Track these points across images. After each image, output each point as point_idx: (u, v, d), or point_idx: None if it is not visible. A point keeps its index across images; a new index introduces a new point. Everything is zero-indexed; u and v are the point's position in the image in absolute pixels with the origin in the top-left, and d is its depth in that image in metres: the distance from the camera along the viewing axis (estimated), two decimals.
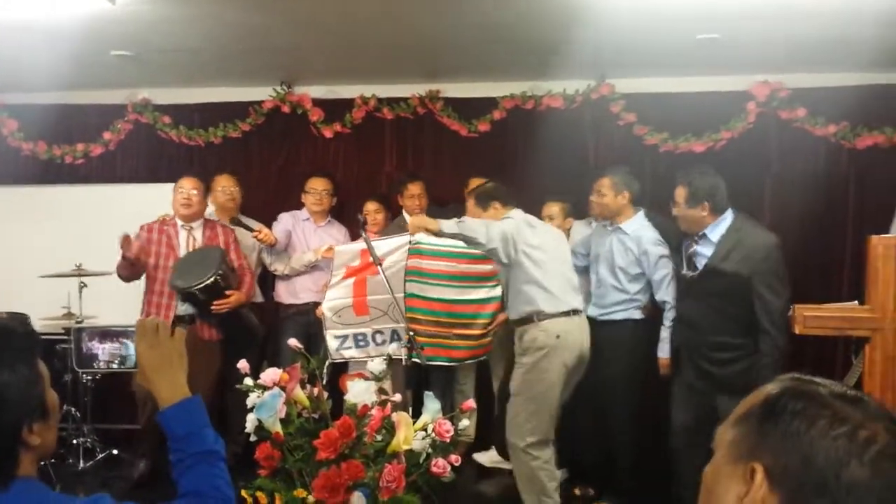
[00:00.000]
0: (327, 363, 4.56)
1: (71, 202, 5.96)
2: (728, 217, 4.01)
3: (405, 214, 5.34)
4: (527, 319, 3.99)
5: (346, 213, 5.68)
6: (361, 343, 4.68)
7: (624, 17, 4.28)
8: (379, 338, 4.69)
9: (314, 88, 5.94)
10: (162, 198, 5.10)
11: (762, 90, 5.40)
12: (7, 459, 1.30)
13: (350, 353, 4.67)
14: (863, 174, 5.40)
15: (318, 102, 5.91)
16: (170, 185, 5.22)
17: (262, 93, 5.92)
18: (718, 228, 3.99)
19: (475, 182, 5.28)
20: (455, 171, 5.72)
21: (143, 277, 4.90)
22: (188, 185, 4.95)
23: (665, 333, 4.36)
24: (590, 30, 4.46)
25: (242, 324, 4.92)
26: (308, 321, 5.20)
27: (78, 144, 6.13)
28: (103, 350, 1.43)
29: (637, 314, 4.47)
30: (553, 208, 4.90)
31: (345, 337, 4.71)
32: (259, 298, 5.45)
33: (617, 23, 4.36)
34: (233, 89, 5.97)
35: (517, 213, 4.12)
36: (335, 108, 5.91)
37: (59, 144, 6.14)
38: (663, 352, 4.37)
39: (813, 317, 3.09)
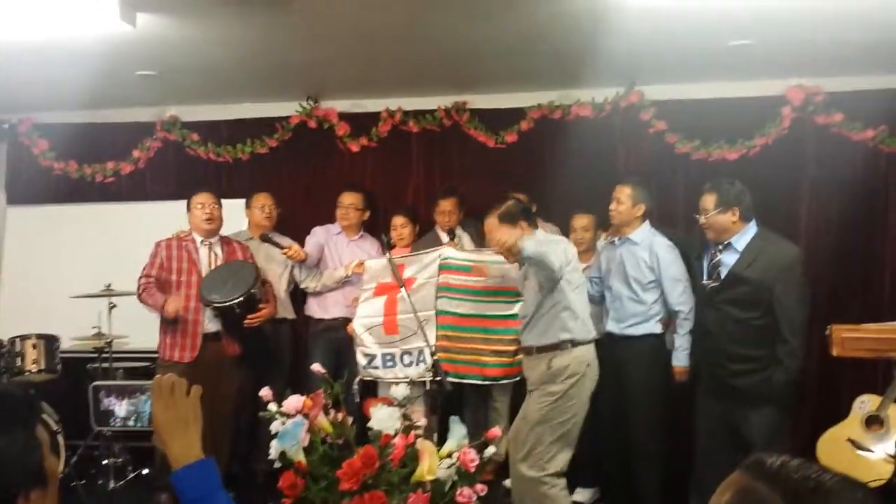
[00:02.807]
0: (357, 379, 4.51)
1: (102, 220, 6.03)
2: (753, 227, 4.06)
3: (437, 229, 5.30)
4: (558, 346, 3.79)
5: (374, 227, 5.63)
6: (389, 363, 4.63)
7: (653, 24, 4.19)
8: (407, 358, 4.62)
9: (340, 102, 5.91)
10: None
11: (797, 95, 5.25)
12: None
13: (377, 372, 4.63)
14: None
15: (344, 116, 5.88)
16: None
17: (288, 108, 5.91)
18: (744, 238, 4.04)
19: (579, 219, 5.14)
20: (482, 182, 5.64)
21: None
22: (209, 201, 4.89)
23: (680, 341, 4.35)
24: (618, 37, 4.37)
25: (263, 338, 4.90)
26: (338, 337, 5.16)
27: (108, 163, 6.17)
28: (120, 407, 1.42)
29: (657, 328, 4.43)
30: (583, 220, 4.85)
31: (373, 356, 4.67)
32: (291, 315, 5.43)
33: (645, 30, 4.27)
34: (260, 105, 5.98)
35: (541, 234, 3.99)
36: (361, 122, 5.88)
37: (89, 163, 6.19)
38: (679, 360, 4.36)
39: (851, 338, 2.97)
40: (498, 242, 3.78)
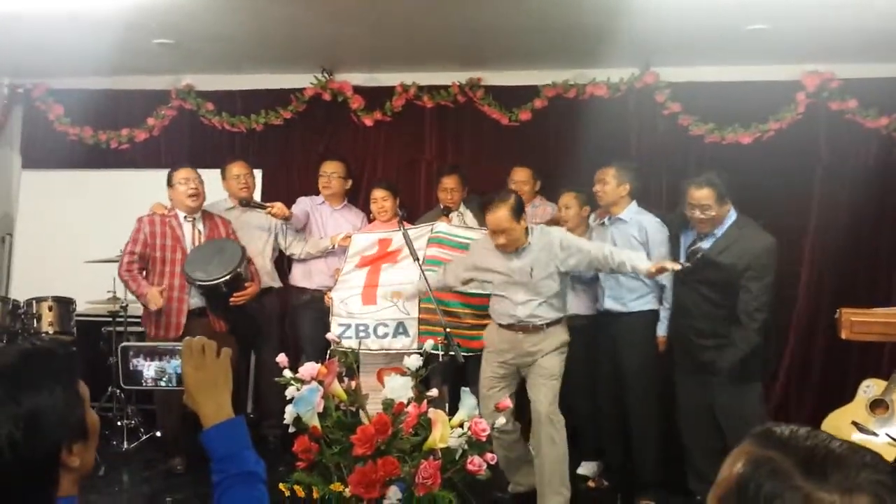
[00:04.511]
0: (331, 349, 4.51)
1: (116, 187, 6.06)
2: (732, 214, 4.19)
3: (441, 206, 5.32)
4: (565, 317, 4.26)
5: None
6: (362, 334, 4.56)
7: (670, 5, 4.21)
8: (381, 330, 4.56)
9: (355, 75, 5.93)
10: (207, 184, 5.03)
11: (812, 80, 5.26)
12: (47, 482, 1.31)
13: (349, 342, 4.55)
14: None
15: (358, 90, 5.90)
16: (213, 172, 5.28)
17: (303, 80, 5.93)
18: (722, 224, 4.18)
19: (519, 172, 5.26)
20: (495, 160, 5.68)
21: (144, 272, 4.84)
22: (193, 176, 4.85)
23: (665, 313, 4.50)
24: (634, 17, 4.39)
25: (249, 314, 4.91)
26: (323, 307, 5.13)
27: (123, 130, 6.21)
28: (149, 367, 1.47)
29: (654, 303, 4.53)
30: (564, 198, 4.87)
31: (347, 326, 4.60)
32: (277, 284, 5.44)
33: (662, 11, 4.30)
34: (275, 76, 6.00)
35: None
36: (375, 96, 5.90)
37: (104, 129, 6.22)
38: (660, 330, 4.52)
39: (860, 322, 3.01)
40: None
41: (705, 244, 4.21)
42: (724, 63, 5.34)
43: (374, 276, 4.70)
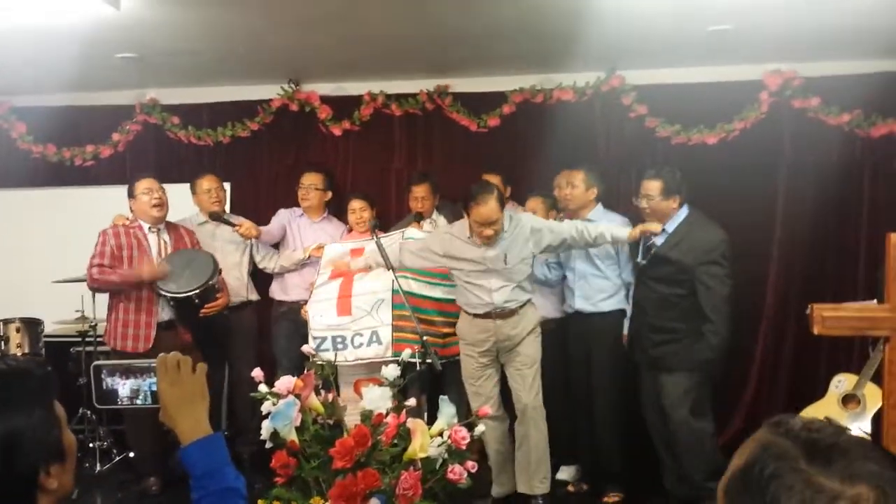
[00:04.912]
0: (309, 362, 4.48)
1: (81, 204, 5.95)
2: (684, 211, 4.28)
3: (413, 213, 5.32)
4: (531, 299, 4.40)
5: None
6: (339, 346, 4.55)
7: (634, 9, 4.24)
8: (357, 340, 4.56)
9: (322, 85, 5.90)
10: (175, 199, 5.04)
11: (775, 80, 5.32)
12: None
13: (327, 355, 4.43)
14: (877, 163, 5.33)
15: (326, 100, 5.87)
16: (180, 186, 5.24)
17: (270, 91, 5.88)
18: (675, 221, 4.27)
19: (489, 178, 5.27)
20: (465, 166, 5.67)
21: None
22: (156, 186, 4.80)
23: (630, 312, 4.60)
24: (599, 21, 4.41)
25: (215, 325, 4.87)
26: (299, 319, 5.08)
27: (87, 146, 6.12)
28: (123, 386, 1.43)
29: (624, 303, 4.62)
30: (530, 203, 4.94)
31: (323, 339, 4.60)
32: (254, 297, 5.41)
33: (627, 14, 4.32)
34: (241, 88, 5.94)
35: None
36: (343, 105, 5.87)
37: (68, 146, 6.13)
38: (624, 328, 4.62)
39: (832, 317, 3.03)
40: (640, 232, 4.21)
41: (658, 240, 4.29)
42: (688, 65, 5.39)
43: (347, 287, 4.69)
